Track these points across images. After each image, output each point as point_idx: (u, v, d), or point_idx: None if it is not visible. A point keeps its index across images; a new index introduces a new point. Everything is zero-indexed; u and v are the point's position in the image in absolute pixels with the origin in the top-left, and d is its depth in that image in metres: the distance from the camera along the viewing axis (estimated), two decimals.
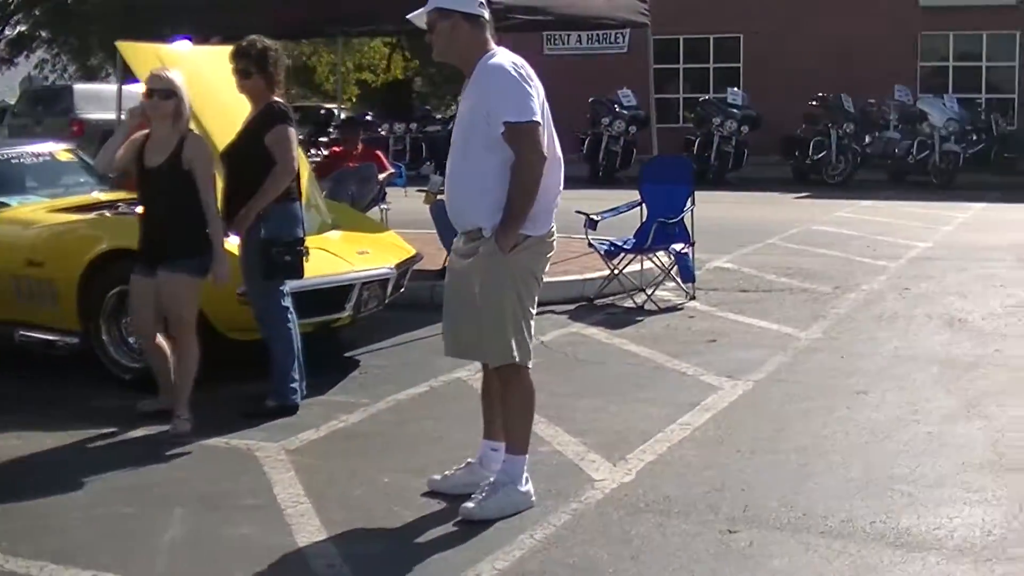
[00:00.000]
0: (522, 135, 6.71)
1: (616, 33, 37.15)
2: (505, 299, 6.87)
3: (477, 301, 6.92)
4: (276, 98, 9.39)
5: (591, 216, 13.79)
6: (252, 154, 9.18)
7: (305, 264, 9.36)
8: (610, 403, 9.48)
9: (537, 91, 6.88)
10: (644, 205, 14.26)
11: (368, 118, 39.05)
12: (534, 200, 6.77)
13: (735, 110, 33.50)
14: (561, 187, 7.09)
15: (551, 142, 6.95)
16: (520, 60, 6.96)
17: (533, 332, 7.10)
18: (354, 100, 56.84)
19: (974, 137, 33.47)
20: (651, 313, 13.17)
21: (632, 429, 8.69)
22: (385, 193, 17.05)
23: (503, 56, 6.96)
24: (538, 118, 6.77)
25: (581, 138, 33.72)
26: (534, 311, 7.07)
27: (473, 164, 6.90)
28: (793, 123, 33.50)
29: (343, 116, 24.27)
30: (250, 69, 9.29)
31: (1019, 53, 38.25)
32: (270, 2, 14.25)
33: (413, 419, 9.16)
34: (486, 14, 7.08)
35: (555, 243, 7.14)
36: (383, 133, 36.98)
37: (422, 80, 62.30)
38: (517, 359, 6.94)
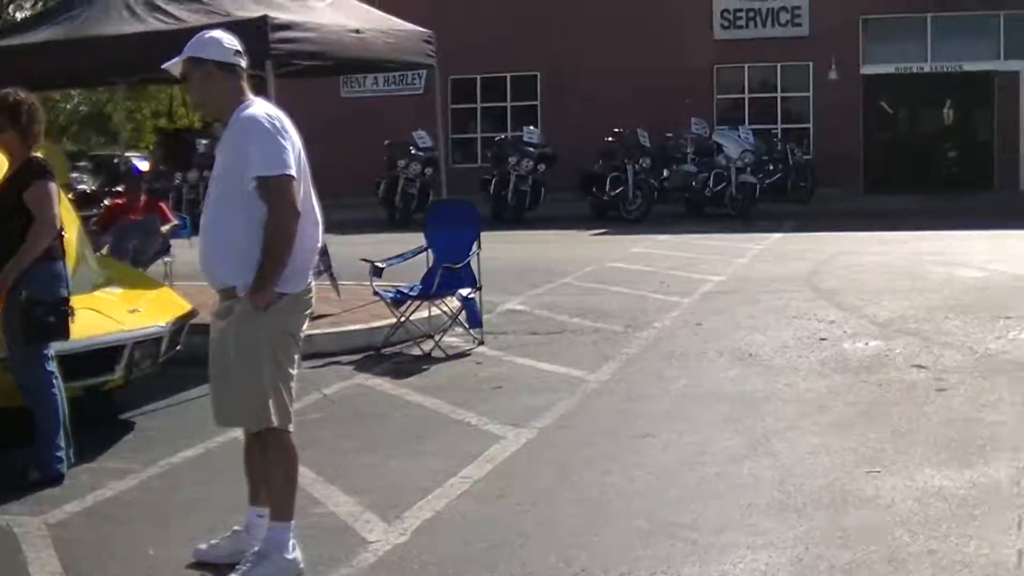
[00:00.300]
0: (274, 189, 6.47)
1: (413, 74, 37.10)
2: (262, 362, 6.60)
3: (232, 364, 6.63)
4: (35, 153, 9.02)
5: (376, 263, 13.60)
6: (10, 212, 8.81)
7: (71, 325, 8.98)
8: (390, 458, 9.22)
9: (292, 144, 6.65)
10: (430, 251, 14.09)
11: (162, 168, 38.50)
12: (288, 257, 6.51)
13: (531, 148, 33.49)
14: (319, 243, 6.87)
15: (308, 197, 6.72)
16: (276, 111, 6.76)
17: (294, 393, 6.83)
18: (151, 148, 55.95)
19: (771, 167, 34.14)
20: (438, 360, 12.96)
21: (411, 485, 8.43)
22: (170, 245, 16.69)
23: (258, 107, 6.75)
24: (292, 172, 6.53)
25: (377, 182, 33.49)
26: (294, 371, 6.80)
27: (225, 219, 6.64)
28: (591, 159, 33.63)
29: (124, 165, 23.72)
30: (2, 124, 8.91)
31: (812, 83, 39.02)
32: (46, 51, 13.80)
33: (186, 484, 8.80)
34: (242, 63, 6.86)
35: (312, 300, 6.90)
36: (178, 181, 36.36)
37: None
38: (276, 423, 6.66)
